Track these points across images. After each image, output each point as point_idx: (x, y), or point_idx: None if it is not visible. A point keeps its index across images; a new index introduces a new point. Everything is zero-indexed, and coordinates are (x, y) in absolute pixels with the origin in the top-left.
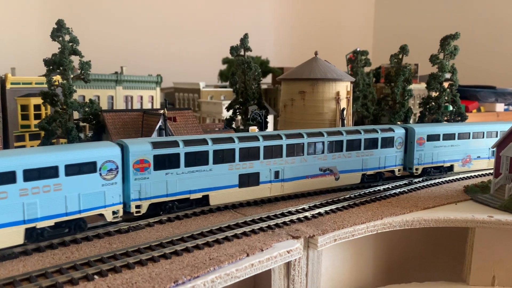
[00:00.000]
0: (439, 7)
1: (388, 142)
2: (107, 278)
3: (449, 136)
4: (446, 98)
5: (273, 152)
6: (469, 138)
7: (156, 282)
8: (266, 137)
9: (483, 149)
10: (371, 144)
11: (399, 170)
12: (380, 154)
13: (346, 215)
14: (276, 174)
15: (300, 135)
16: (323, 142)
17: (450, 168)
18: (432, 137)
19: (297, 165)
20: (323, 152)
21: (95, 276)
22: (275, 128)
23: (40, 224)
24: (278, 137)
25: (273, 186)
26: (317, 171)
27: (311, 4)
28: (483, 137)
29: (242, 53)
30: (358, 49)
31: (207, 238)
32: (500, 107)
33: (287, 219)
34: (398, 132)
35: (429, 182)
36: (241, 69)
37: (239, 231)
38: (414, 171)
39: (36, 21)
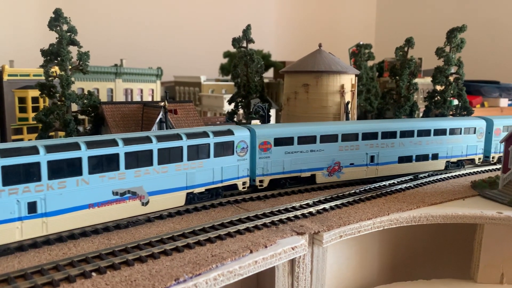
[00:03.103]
0: (442, 1)
1: (225, 149)
2: (106, 275)
3: (307, 139)
4: (452, 92)
5: (22, 175)
6: (337, 141)
7: (156, 279)
8: (5, 152)
9: (359, 154)
10: (200, 152)
11: (243, 183)
12: (214, 164)
13: (352, 210)
14: (32, 206)
15: (75, 146)
16: (117, 155)
17: (312, 178)
18: (282, 141)
19: (72, 190)
20: (118, 168)
21: (93, 273)
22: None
23: None
24: (33, 151)
25: (25, 225)
26: (110, 195)
27: None
28: (357, 139)
29: (244, 45)
30: (361, 43)
31: (209, 234)
32: (504, 102)
33: (291, 214)
34: (240, 135)
35: (435, 177)
36: (243, 61)
37: (242, 227)
38: (258, 183)
39: (35, 13)
